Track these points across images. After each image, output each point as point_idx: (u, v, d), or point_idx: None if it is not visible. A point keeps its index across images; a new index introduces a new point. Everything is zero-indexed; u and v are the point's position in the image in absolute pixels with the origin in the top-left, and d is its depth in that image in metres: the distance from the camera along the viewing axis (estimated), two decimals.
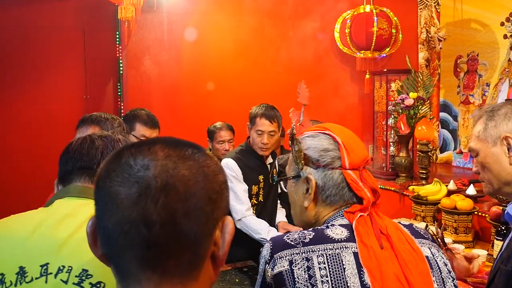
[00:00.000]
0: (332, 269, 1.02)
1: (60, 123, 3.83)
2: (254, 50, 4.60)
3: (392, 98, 4.03)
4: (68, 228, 1.10)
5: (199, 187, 0.65)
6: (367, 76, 4.68)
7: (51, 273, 1.06)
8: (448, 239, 2.59)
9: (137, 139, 2.43)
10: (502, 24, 3.97)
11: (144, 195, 0.61)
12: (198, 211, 0.64)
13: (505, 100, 3.87)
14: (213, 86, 4.43)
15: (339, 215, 1.14)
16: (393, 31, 4.51)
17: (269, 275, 1.04)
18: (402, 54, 4.29)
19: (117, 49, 4.22)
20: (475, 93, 4.33)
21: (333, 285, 1.00)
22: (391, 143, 4.07)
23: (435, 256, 1.12)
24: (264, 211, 2.80)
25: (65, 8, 4.09)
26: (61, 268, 1.07)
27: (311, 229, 1.11)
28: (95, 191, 0.67)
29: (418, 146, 3.61)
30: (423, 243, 1.13)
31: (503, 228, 2.35)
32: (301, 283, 1.00)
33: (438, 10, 4.73)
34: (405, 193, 3.51)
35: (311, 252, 1.04)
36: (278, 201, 2.98)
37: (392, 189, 3.70)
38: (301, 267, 1.02)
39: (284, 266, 1.03)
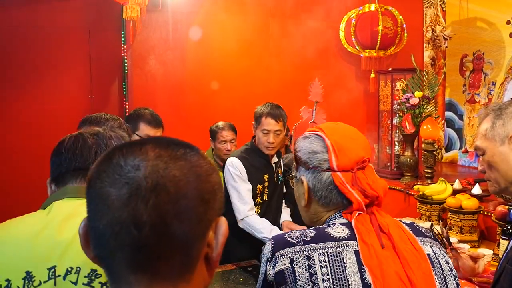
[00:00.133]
0: (333, 267, 1.02)
1: (65, 122, 3.82)
2: (259, 49, 4.60)
3: (397, 97, 4.01)
4: (72, 229, 1.09)
5: (190, 187, 0.64)
6: (372, 75, 4.67)
7: (59, 276, 1.06)
8: (453, 239, 2.58)
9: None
10: (508, 22, 3.94)
11: (135, 196, 0.61)
12: (190, 212, 0.63)
13: (511, 98, 3.85)
14: (218, 85, 4.43)
15: (339, 215, 1.14)
16: (398, 30, 4.50)
17: (271, 273, 1.04)
18: (408, 53, 4.27)
19: (122, 48, 4.23)
20: (481, 92, 4.31)
21: (334, 283, 1.00)
22: (396, 142, 4.06)
23: (436, 255, 1.12)
24: (269, 210, 2.80)
25: (70, 8, 4.11)
26: (69, 269, 1.07)
27: (312, 227, 1.12)
28: (87, 192, 0.66)
29: (423, 145, 3.59)
30: (425, 242, 1.13)
31: (508, 227, 2.34)
32: (302, 281, 1.00)
33: (444, 9, 4.71)
34: (410, 192, 3.49)
35: (312, 250, 1.04)
36: (283, 200, 2.98)
37: (397, 188, 3.69)
38: (302, 265, 1.02)
39: (285, 264, 1.03)
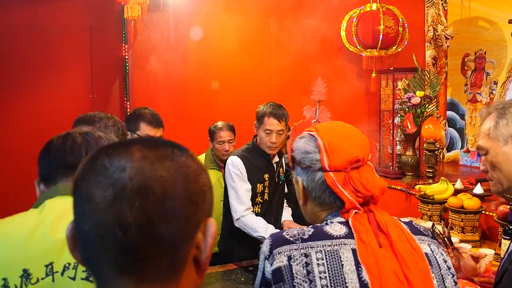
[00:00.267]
0: (330, 265, 1.02)
1: (66, 122, 3.81)
2: (260, 49, 4.60)
3: (398, 97, 4.01)
4: (67, 225, 1.09)
5: (177, 188, 0.62)
6: (374, 74, 4.66)
7: (57, 272, 1.06)
8: (455, 238, 2.57)
9: None
10: (510, 21, 3.93)
11: (119, 197, 0.59)
12: (177, 213, 0.62)
13: None
14: (219, 85, 4.43)
15: (337, 213, 1.15)
16: (400, 29, 4.49)
17: (268, 271, 1.05)
18: (409, 53, 4.27)
19: (123, 48, 4.23)
20: (483, 92, 4.30)
21: (331, 281, 1.00)
22: (397, 142, 4.06)
23: (434, 253, 1.12)
24: (270, 210, 2.80)
25: (71, 8, 4.11)
26: (67, 265, 1.07)
27: (311, 225, 1.13)
28: (73, 194, 0.65)
29: (425, 145, 3.59)
30: (422, 240, 1.13)
31: (510, 227, 2.33)
32: (299, 279, 1.01)
33: (445, 8, 4.70)
34: (411, 192, 3.49)
35: (309, 248, 1.05)
36: (285, 200, 2.97)
37: (399, 188, 3.69)
38: (299, 262, 1.03)
39: (282, 262, 1.03)
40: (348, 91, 4.62)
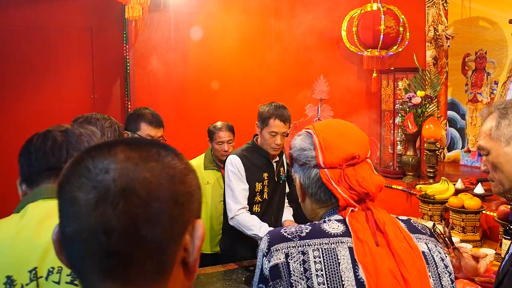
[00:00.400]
0: (327, 263, 1.03)
1: (67, 122, 3.82)
2: (261, 48, 4.60)
3: (399, 97, 4.01)
4: (50, 229, 1.06)
5: (162, 189, 0.61)
6: (374, 74, 4.66)
7: (41, 277, 1.05)
8: (455, 238, 2.57)
9: None
10: (510, 21, 3.93)
11: (103, 200, 0.58)
12: (162, 215, 0.60)
13: None
14: (220, 85, 4.43)
15: (335, 211, 1.15)
16: (401, 29, 4.49)
17: (266, 267, 1.05)
18: (410, 53, 4.27)
19: (124, 48, 4.24)
20: (483, 91, 4.30)
21: (328, 279, 1.01)
22: (398, 142, 4.06)
23: (431, 251, 1.12)
24: (270, 209, 2.80)
25: (72, 8, 4.12)
26: (51, 270, 1.06)
27: (308, 223, 1.13)
28: (57, 197, 0.63)
29: (425, 145, 3.59)
30: (420, 239, 1.13)
31: (511, 227, 2.34)
32: (296, 276, 1.02)
33: (446, 8, 4.70)
34: (412, 192, 3.49)
35: (307, 246, 1.05)
36: (286, 200, 2.97)
37: (399, 188, 3.69)
38: (296, 260, 1.03)
39: (280, 259, 1.04)
40: (348, 91, 4.62)
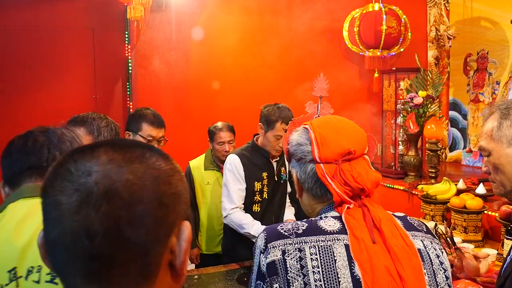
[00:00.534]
0: (324, 260, 1.04)
1: None
2: (262, 48, 4.60)
3: (401, 97, 4.01)
4: (29, 228, 1.08)
5: (146, 191, 0.60)
6: (376, 74, 4.66)
7: (21, 277, 1.05)
8: (457, 239, 2.57)
9: (144, 139, 2.43)
10: None
11: (85, 203, 0.57)
12: (147, 218, 0.59)
13: None
14: (221, 85, 4.44)
15: (331, 207, 1.16)
16: (402, 29, 4.49)
17: (263, 264, 1.06)
18: (411, 53, 4.27)
19: (126, 48, 4.24)
20: (485, 92, 4.30)
21: (324, 276, 1.02)
22: (400, 142, 4.06)
23: (427, 249, 1.13)
24: (270, 209, 2.80)
25: (74, 8, 4.13)
26: (30, 269, 1.06)
27: (305, 220, 1.14)
28: (41, 201, 0.62)
29: (427, 145, 3.59)
30: (416, 236, 1.14)
31: None
32: (293, 273, 1.02)
33: (448, 8, 4.69)
34: (414, 192, 3.49)
35: (303, 243, 1.06)
36: (288, 200, 2.97)
37: (401, 188, 3.69)
38: (293, 257, 1.04)
39: (277, 256, 1.05)
40: (350, 91, 4.63)
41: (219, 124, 3.27)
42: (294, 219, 2.90)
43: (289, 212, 2.95)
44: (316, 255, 1.04)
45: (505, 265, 1.32)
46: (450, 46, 4.69)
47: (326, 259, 1.04)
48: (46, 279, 1.06)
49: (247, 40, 4.55)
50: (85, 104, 4.11)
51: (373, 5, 4.52)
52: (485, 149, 1.36)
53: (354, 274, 1.02)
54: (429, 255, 1.11)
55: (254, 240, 2.64)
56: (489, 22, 4.22)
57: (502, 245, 2.47)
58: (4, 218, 1.12)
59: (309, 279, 1.01)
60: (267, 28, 4.62)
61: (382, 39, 4.39)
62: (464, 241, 2.66)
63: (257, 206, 2.76)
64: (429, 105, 3.78)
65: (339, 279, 1.02)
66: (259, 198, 2.76)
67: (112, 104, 4.30)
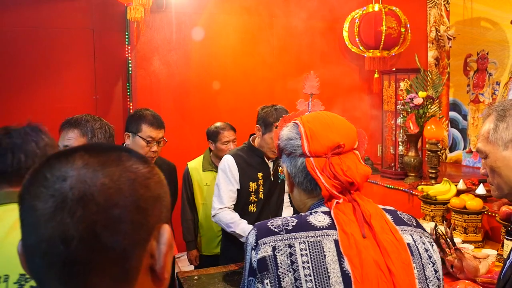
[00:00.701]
0: (313, 255, 1.05)
1: None
2: (262, 49, 4.61)
3: (401, 97, 4.01)
4: None
5: (122, 195, 0.59)
6: (376, 75, 4.66)
7: None
8: (457, 239, 2.57)
9: (144, 140, 2.43)
10: None
11: (60, 208, 0.56)
12: (123, 222, 0.58)
13: None
14: (222, 85, 4.44)
15: (321, 202, 1.17)
16: (402, 30, 4.49)
17: (254, 260, 1.07)
18: (411, 53, 4.27)
19: (126, 49, 4.25)
20: (485, 92, 4.30)
21: (314, 271, 1.03)
22: (400, 143, 4.06)
23: (416, 243, 1.13)
24: (267, 209, 2.79)
25: (74, 9, 4.13)
26: None
27: (294, 215, 1.15)
28: (18, 208, 0.61)
29: (427, 146, 3.58)
30: (405, 231, 1.15)
31: None
32: (283, 268, 1.03)
33: (448, 9, 4.70)
34: (414, 192, 3.49)
35: (293, 239, 1.07)
36: (288, 200, 2.96)
37: (401, 188, 3.69)
38: (283, 253, 1.05)
39: (267, 252, 1.06)
40: (350, 92, 4.63)
41: (221, 124, 3.27)
42: None
43: (288, 212, 2.94)
44: (306, 250, 1.05)
45: (504, 269, 1.30)
46: (450, 47, 4.69)
47: (316, 255, 1.05)
48: None
49: (247, 41, 4.55)
50: (85, 104, 4.11)
51: (373, 6, 4.52)
52: (482, 151, 1.34)
53: (344, 269, 1.03)
54: (418, 249, 1.12)
55: (241, 240, 2.64)
56: (489, 23, 4.22)
57: (502, 246, 2.47)
58: None
59: (299, 275, 1.03)
60: (267, 29, 4.63)
61: (382, 39, 4.40)
62: (464, 241, 2.66)
63: (253, 207, 2.75)
64: (429, 105, 3.78)
65: (329, 274, 1.03)
66: (254, 199, 2.75)
67: (112, 105, 4.30)
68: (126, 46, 4.24)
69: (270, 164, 2.79)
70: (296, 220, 1.12)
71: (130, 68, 4.23)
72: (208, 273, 2.53)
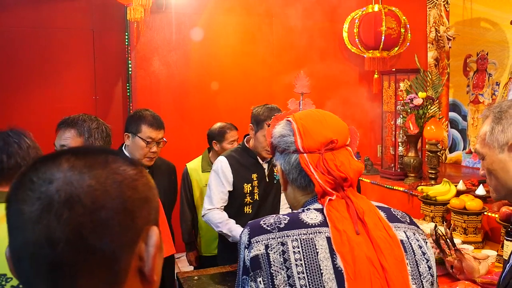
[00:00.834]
0: (306, 253, 1.05)
1: None
2: (262, 49, 4.61)
3: (401, 98, 4.01)
4: None
5: (109, 197, 0.59)
6: (376, 75, 4.67)
7: None
8: (457, 240, 2.57)
9: (144, 141, 2.43)
10: None
11: (47, 211, 0.56)
12: (111, 224, 0.58)
13: None
14: (221, 85, 4.44)
15: (315, 199, 1.17)
16: (402, 30, 4.50)
17: (247, 258, 1.08)
18: (411, 54, 4.27)
19: (126, 49, 4.25)
20: (485, 93, 4.30)
21: (307, 268, 1.04)
22: (399, 143, 4.06)
23: (410, 239, 1.14)
24: (263, 210, 2.77)
25: (74, 9, 4.13)
26: None
27: (286, 213, 1.15)
28: (6, 212, 0.61)
29: (427, 146, 3.58)
30: (398, 227, 1.15)
31: None
32: (276, 266, 1.04)
33: (447, 9, 4.70)
34: (413, 193, 3.49)
35: (286, 237, 1.08)
36: (285, 201, 2.96)
37: (401, 189, 3.69)
38: (276, 251, 1.06)
39: (260, 250, 1.07)
40: (350, 92, 4.62)
41: (224, 124, 3.28)
42: None
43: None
44: (298, 248, 1.06)
45: (504, 273, 1.29)
46: (450, 47, 4.69)
47: (308, 252, 1.05)
48: None
49: (247, 41, 4.55)
50: (85, 105, 4.11)
51: (373, 6, 4.52)
52: (479, 153, 1.35)
53: (336, 265, 1.04)
54: (411, 246, 1.13)
55: (229, 239, 2.64)
56: (488, 23, 4.22)
57: (502, 247, 2.47)
58: None
59: (292, 272, 1.03)
60: (266, 29, 4.63)
61: (382, 40, 4.40)
62: (464, 242, 2.65)
63: (249, 208, 2.73)
64: (429, 106, 3.78)
65: (322, 271, 1.03)
66: (250, 200, 2.74)
67: (112, 105, 4.30)
68: (126, 46, 4.24)
69: (265, 165, 2.78)
70: (288, 218, 1.12)
71: (130, 69, 4.23)
72: (208, 273, 2.53)
